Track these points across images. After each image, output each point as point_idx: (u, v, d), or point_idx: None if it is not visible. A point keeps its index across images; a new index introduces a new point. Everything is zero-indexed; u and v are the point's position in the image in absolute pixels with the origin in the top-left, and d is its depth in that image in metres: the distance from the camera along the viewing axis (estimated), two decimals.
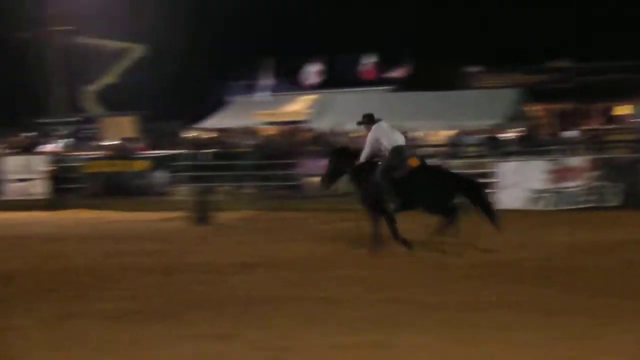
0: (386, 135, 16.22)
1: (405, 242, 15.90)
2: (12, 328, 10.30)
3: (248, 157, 29.76)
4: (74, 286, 13.22)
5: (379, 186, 16.01)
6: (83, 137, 43.05)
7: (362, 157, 16.31)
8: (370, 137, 16.34)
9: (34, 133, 42.64)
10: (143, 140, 36.60)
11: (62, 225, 23.06)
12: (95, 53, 51.33)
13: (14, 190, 29.74)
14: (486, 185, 20.91)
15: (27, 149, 34.65)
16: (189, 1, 53.42)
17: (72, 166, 30.96)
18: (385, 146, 16.12)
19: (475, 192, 16.28)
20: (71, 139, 42.42)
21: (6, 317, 10.86)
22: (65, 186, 29.51)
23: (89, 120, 47.57)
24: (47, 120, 47.33)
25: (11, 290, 13.10)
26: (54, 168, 30.00)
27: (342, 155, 16.99)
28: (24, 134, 41.08)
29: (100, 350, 9.28)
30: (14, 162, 30.36)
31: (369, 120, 16.52)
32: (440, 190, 15.95)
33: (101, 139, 41.21)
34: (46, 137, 41.36)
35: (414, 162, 16.30)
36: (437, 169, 17.60)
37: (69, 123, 46.84)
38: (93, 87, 52.14)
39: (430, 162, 18.61)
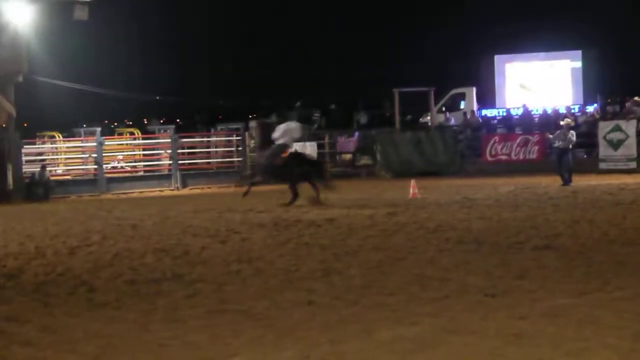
0: (281, 132, 23.95)
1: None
2: None
3: None
4: None
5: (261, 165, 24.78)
6: None
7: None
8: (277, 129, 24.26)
9: None
10: None
11: None
12: None
13: None
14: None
15: None
16: None
17: None
18: (276, 139, 23.93)
19: (318, 167, 24.65)
20: None
21: None
22: None
23: None
24: None
25: None
26: None
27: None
28: None
29: None
30: None
31: (283, 119, 24.48)
32: (293, 170, 23.42)
33: None
34: None
35: (285, 154, 23.81)
36: (297, 157, 24.24)
37: None
38: None
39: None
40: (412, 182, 25.39)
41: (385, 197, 24.86)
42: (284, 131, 24.00)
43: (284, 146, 24.00)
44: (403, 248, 14.34)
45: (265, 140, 25.10)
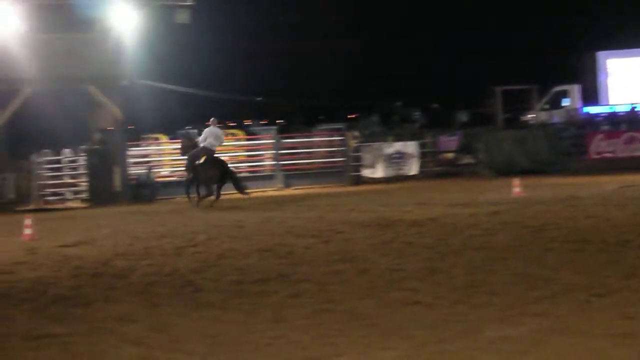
0: (203, 137, 27.32)
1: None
2: None
3: None
4: None
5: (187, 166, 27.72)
6: None
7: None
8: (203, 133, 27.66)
9: None
10: None
11: None
12: None
13: None
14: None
15: None
16: None
17: None
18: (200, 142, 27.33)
19: (230, 174, 27.33)
20: None
21: None
22: None
23: None
24: None
25: None
26: None
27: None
28: None
29: None
30: None
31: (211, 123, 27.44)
32: (210, 173, 26.59)
33: None
34: None
35: (202, 158, 26.72)
36: (212, 161, 26.86)
37: None
38: None
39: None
40: (516, 180, 25.13)
41: (488, 196, 24.64)
42: (207, 135, 27.29)
43: (205, 149, 27.06)
44: (507, 247, 14.22)
45: (188, 148, 28.00)
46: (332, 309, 10.13)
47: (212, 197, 26.70)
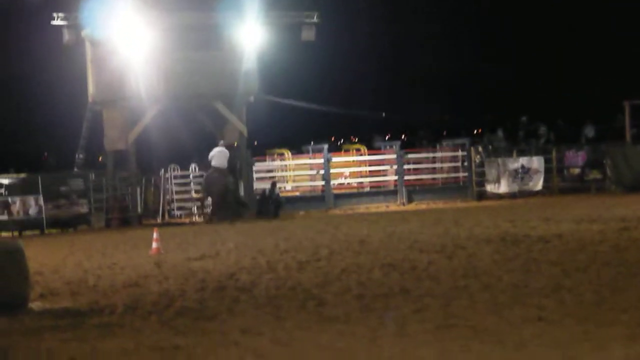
0: (212, 156, 30.27)
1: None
2: None
3: None
4: None
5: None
6: None
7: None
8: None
9: None
10: None
11: None
12: None
13: None
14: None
15: None
16: None
17: None
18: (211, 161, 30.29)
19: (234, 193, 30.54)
20: None
21: None
22: None
23: None
24: None
25: None
26: None
27: None
28: None
29: None
30: None
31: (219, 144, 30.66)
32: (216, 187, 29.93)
33: None
34: None
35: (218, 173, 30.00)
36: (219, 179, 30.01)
37: None
38: None
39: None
40: None
41: (616, 212, 24.13)
42: (214, 155, 30.22)
43: (217, 168, 30.01)
44: (637, 263, 13.91)
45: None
46: (455, 324, 10.05)
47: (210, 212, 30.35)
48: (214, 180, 30.13)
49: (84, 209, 30.12)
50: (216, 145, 30.88)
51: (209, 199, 30.70)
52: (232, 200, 30.59)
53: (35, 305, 12.87)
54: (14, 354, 9.80)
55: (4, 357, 9.73)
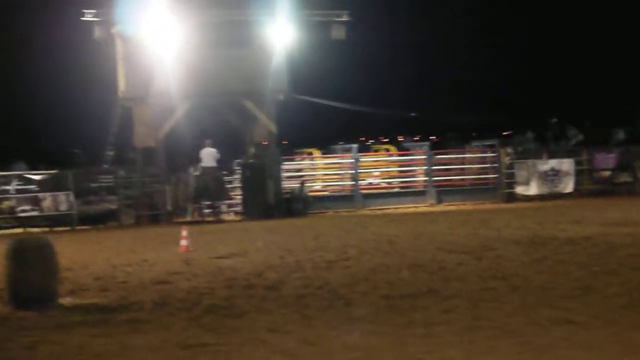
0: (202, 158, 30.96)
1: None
2: None
3: None
4: None
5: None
6: None
7: None
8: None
9: None
10: None
11: None
12: None
13: None
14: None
15: None
16: None
17: None
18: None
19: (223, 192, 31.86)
20: None
21: None
22: None
23: None
24: None
25: None
26: None
27: None
28: None
29: None
30: None
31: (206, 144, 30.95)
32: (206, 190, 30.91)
33: None
34: None
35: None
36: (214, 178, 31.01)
37: None
38: None
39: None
40: None
41: None
42: (205, 156, 30.85)
43: (208, 168, 30.80)
44: None
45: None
46: (483, 325, 10.03)
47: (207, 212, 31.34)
48: (206, 181, 30.89)
49: (113, 206, 30.27)
50: (204, 146, 31.17)
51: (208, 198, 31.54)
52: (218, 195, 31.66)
53: (64, 300, 12.94)
54: (44, 349, 9.86)
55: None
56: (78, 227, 29.21)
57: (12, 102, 63.74)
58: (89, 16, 31.11)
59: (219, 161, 31.10)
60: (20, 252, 12.68)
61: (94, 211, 29.88)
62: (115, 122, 33.00)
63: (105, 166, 32.50)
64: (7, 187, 29.00)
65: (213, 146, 30.84)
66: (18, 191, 29.09)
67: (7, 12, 56.75)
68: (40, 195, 29.11)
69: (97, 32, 31.39)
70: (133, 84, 31.61)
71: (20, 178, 29.38)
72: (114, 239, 24.36)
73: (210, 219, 30.80)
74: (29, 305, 12.29)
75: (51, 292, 12.69)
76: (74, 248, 21.19)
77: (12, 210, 28.88)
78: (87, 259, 18.85)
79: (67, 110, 58.66)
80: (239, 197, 32.60)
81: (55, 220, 29.19)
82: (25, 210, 28.99)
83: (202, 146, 31.28)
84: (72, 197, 29.32)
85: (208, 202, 31.56)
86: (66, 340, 10.26)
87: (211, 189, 30.86)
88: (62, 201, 29.30)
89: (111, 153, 33.40)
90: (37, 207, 29.04)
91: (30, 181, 29.33)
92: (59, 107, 59.80)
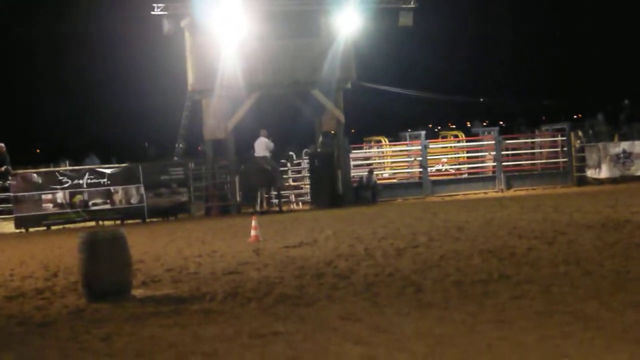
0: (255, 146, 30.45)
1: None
2: None
3: None
4: None
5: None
6: None
7: None
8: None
9: None
10: None
11: None
12: None
13: None
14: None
15: None
16: None
17: None
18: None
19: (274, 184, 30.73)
20: None
21: None
22: None
23: None
24: None
25: None
26: None
27: None
28: None
29: None
30: None
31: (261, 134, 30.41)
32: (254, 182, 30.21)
33: None
34: None
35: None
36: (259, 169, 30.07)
37: None
38: None
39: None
40: None
41: None
42: (256, 146, 30.33)
43: (262, 158, 30.16)
44: None
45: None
46: (556, 310, 9.95)
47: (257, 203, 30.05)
48: (253, 173, 30.36)
49: (184, 198, 30.52)
50: (259, 136, 30.83)
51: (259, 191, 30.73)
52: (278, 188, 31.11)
53: (137, 292, 13.10)
54: (118, 340, 9.99)
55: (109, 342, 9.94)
56: (149, 220, 29.52)
57: (84, 98, 64.64)
58: (158, 10, 31.33)
59: (272, 151, 30.71)
60: (93, 246, 12.84)
61: (164, 203, 30.16)
62: (185, 114, 33.24)
63: (176, 159, 32.77)
64: (79, 181, 29.32)
65: (268, 137, 30.71)
66: (90, 185, 29.40)
67: (78, 9, 57.54)
68: (111, 188, 29.44)
69: (167, 26, 31.55)
70: (202, 77, 31.77)
71: (92, 172, 29.70)
72: (184, 230, 24.55)
73: (275, 209, 30.86)
74: (102, 297, 12.47)
75: (124, 284, 12.85)
76: (146, 240, 21.43)
77: (84, 204, 29.24)
78: (158, 250, 19.04)
79: (138, 105, 59.31)
80: (308, 186, 32.67)
81: (126, 213, 29.51)
82: (97, 204, 29.34)
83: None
84: (142, 190, 29.62)
85: (275, 193, 31.41)
86: (140, 331, 10.39)
87: (257, 179, 30.25)
88: (133, 194, 29.62)
89: (181, 145, 33.66)
90: (108, 201, 29.39)
91: (101, 175, 29.65)
92: (130, 102, 60.50)
